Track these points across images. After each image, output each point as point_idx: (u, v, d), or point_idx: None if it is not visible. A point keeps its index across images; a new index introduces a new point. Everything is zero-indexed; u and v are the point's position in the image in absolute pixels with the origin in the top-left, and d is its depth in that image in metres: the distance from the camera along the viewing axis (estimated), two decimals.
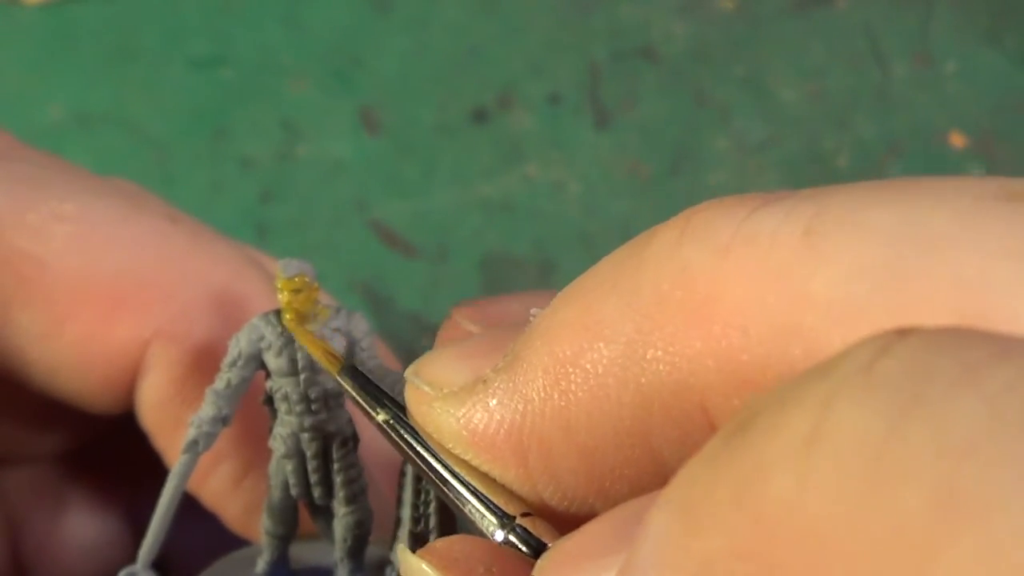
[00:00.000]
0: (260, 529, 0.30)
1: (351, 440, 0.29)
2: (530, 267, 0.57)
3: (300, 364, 0.28)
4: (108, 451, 0.40)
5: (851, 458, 0.15)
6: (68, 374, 0.33)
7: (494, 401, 0.22)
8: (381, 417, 0.24)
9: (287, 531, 0.30)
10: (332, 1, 0.63)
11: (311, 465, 0.29)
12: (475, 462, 0.22)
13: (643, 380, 0.20)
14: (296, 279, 0.27)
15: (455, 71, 0.62)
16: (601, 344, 0.21)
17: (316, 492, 0.29)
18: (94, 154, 0.59)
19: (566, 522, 0.22)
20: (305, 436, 0.28)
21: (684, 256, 0.20)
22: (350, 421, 0.29)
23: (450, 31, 0.63)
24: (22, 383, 0.33)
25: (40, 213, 0.32)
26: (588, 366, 0.21)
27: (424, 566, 0.21)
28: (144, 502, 0.40)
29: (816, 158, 0.59)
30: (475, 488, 0.22)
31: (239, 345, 0.28)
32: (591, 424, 0.21)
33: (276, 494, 0.29)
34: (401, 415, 0.24)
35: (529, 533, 0.22)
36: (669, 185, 0.59)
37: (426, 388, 0.23)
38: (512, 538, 0.22)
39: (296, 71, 0.62)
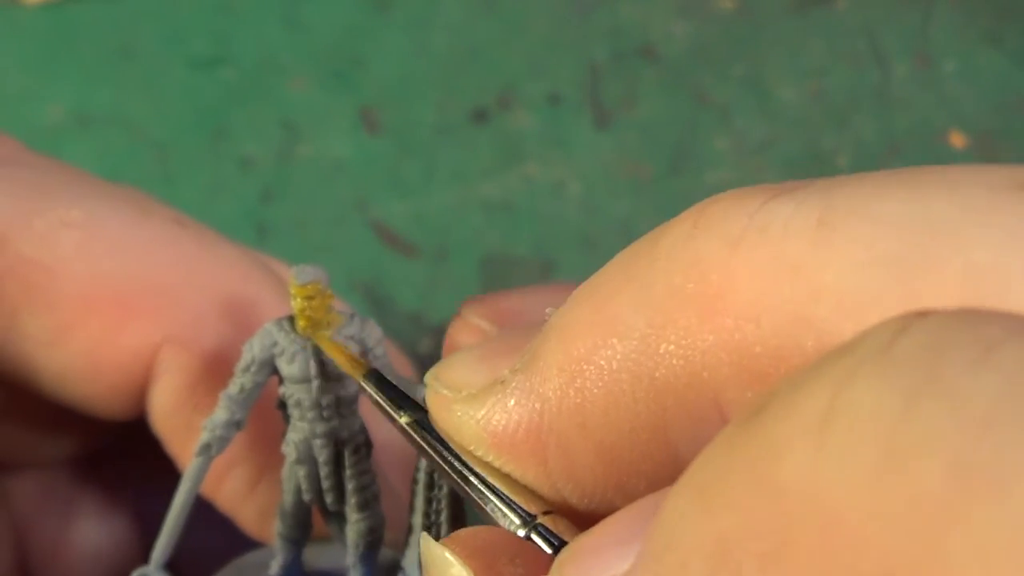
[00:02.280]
0: (273, 532, 0.30)
1: (364, 447, 0.29)
2: (530, 267, 0.57)
3: (313, 371, 0.28)
4: (117, 455, 0.40)
5: (867, 433, 0.15)
6: (77, 381, 0.33)
7: (512, 401, 0.22)
8: (404, 420, 0.24)
9: (300, 535, 0.30)
10: (332, 1, 0.63)
11: (323, 471, 0.29)
12: (496, 463, 0.22)
13: (657, 375, 0.20)
14: (309, 286, 0.27)
15: (455, 71, 0.62)
16: (615, 340, 0.21)
17: (328, 498, 0.29)
18: (94, 154, 0.59)
19: (588, 520, 0.21)
20: (317, 442, 0.28)
21: (696, 249, 0.20)
22: (363, 428, 0.29)
23: (450, 31, 0.63)
24: (31, 390, 0.33)
25: (47, 219, 0.32)
26: (602, 363, 0.21)
27: (447, 555, 0.21)
28: (153, 507, 0.40)
29: (816, 158, 0.59)
30: (496, 488, 0.22)
31: (252, 351, 0.28)
32: (607, 421, 0.21)
33: (289, 499, 0.29)
34: (424, 418, 0.24)
35: (550, 531, 0.22)
36: (669, 185, 0.59)
37: (446, 392, 0.23)
38: (534, 536, 0.22)
39: (296, 71, 0.62)
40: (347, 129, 0.60)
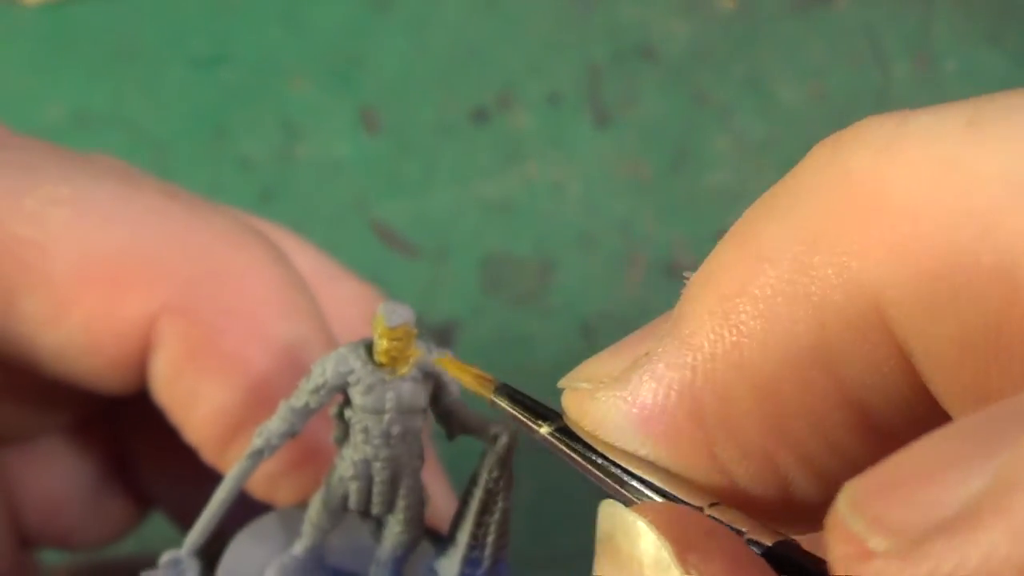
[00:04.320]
0: (281, 495, 0.30)
1: (420, 468, 0.29)
2: (530, 267, 0.57)
3: (388, 405, 0.27)
4: (112, 424, 0.40)
5: None
6: (77, 357, 0.32)
7: (661, 365, 0.21)
8: (545, 430, 0.23)
9: (331, 527, 0.30)
10: (332, 1, 0.63)
11: (377, 488, 0.29)
12: (647, 450, 0.21)
13: (813, 289, 0.20)
14: (400, 328, 0.27)
15: (455, 71, 0.62)
16: (767, 266, 0.20)
17: (376, 509, 0.29)
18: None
19: (753, 509, 0.21)
20: (378, 465, 0.28)
21: (843, 163, 0.20)
22: (422, 453, 0.29)
23: (450, 31, 0.63)
24: (30, 368, 0.33)
25: (36, 198, 0.32)
26: (756, 292, 0.20)
27: (641, 523, 0.20)
28: (149, 475, 0.40)
29: None
30: (654, 483, 0.21)
31: (325, 375, 0.27)
32: (766, 354, 0.20)
33: (333, 503, 0.29)
34: (563, 426, 0.23)
35: (720, 522, 0.20)
36: (669, 185, 0.59)
37: (585, 385, 0.22)
38: (716, 513, 0.20)
39: (296, 71, 0.62)
40: (347, 129, 0.60)
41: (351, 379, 0.27)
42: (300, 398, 0.28)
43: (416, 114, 0.61)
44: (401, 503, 0.29)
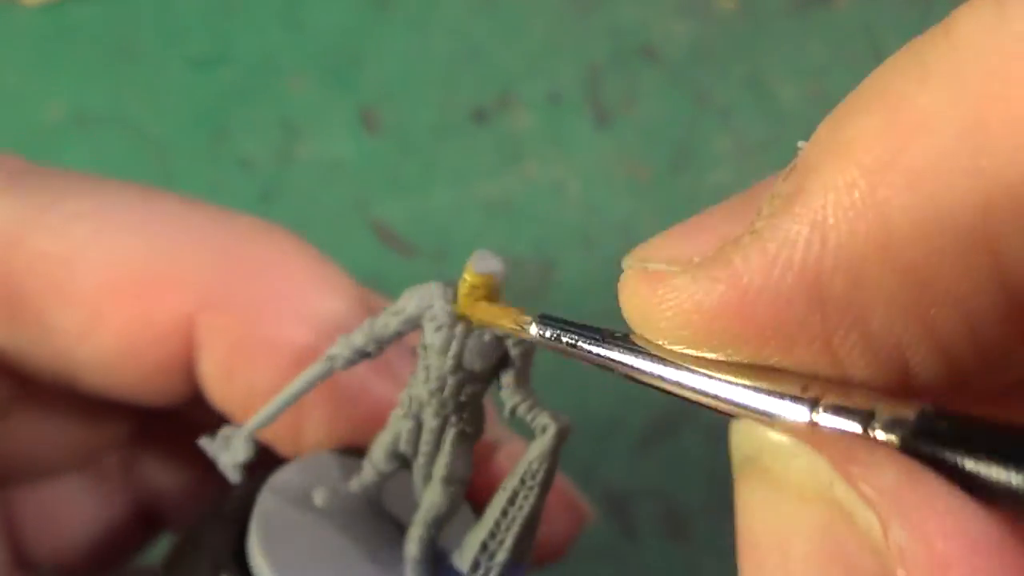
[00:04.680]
0: (367, 457, 0.30)
1: (472, 436, 0.29)
2: (530, 267, 0.57)
3: (452, 350, 0.27)
4: (123, 446, 0.40)
5: None
6: (120, 368, 0.32)
7: (774, 244, 0.19)
8: (597, 350, 0.20)
9: (391, 471, 0.30)
10: (332, 1, 0.63)
11: (425, 437, 0.29)
12: (740, 345, 0.19)
13: (983, 164, 0.18)
14: (481, 276, 0.26)
15: (455, 71, 0.62)
16: (925, 136, 0.18)
17: (421, 459, 0.29)
18: (94, 154, 0.59)
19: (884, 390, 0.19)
20: (429, 411, 0.28)
21: (1011, 24, 0.18)
22: (476, 419, 0.29)
23: (450, 31, 0.63)
24: (74, 387, 0.33)
25: (58, 214, 0.32)
26: (915, 163, 0.18)
27: (791, 443, 0.18)
28: (161, 497, 0.40)
29: None
30: (750, 384, 0.19)
31: (408, 303, 0.28)
32: (919, 233, 0.18)
33: (386, 439, 0.29)
34: (615, 340, 0.20)
35: (846, 409, 0.18)
36: (669, 185, 0.59)
37: (663, 266, 0.20)
38: (826, 420, 0.18)
39: (296, 71, 0.62)
40: (347, 129, 0.60)
41: (428, 314, 0.27)
42: (382, 319, 0.28)
43: (416, 114, 0.61)
44: (444, 460, 0.29)
